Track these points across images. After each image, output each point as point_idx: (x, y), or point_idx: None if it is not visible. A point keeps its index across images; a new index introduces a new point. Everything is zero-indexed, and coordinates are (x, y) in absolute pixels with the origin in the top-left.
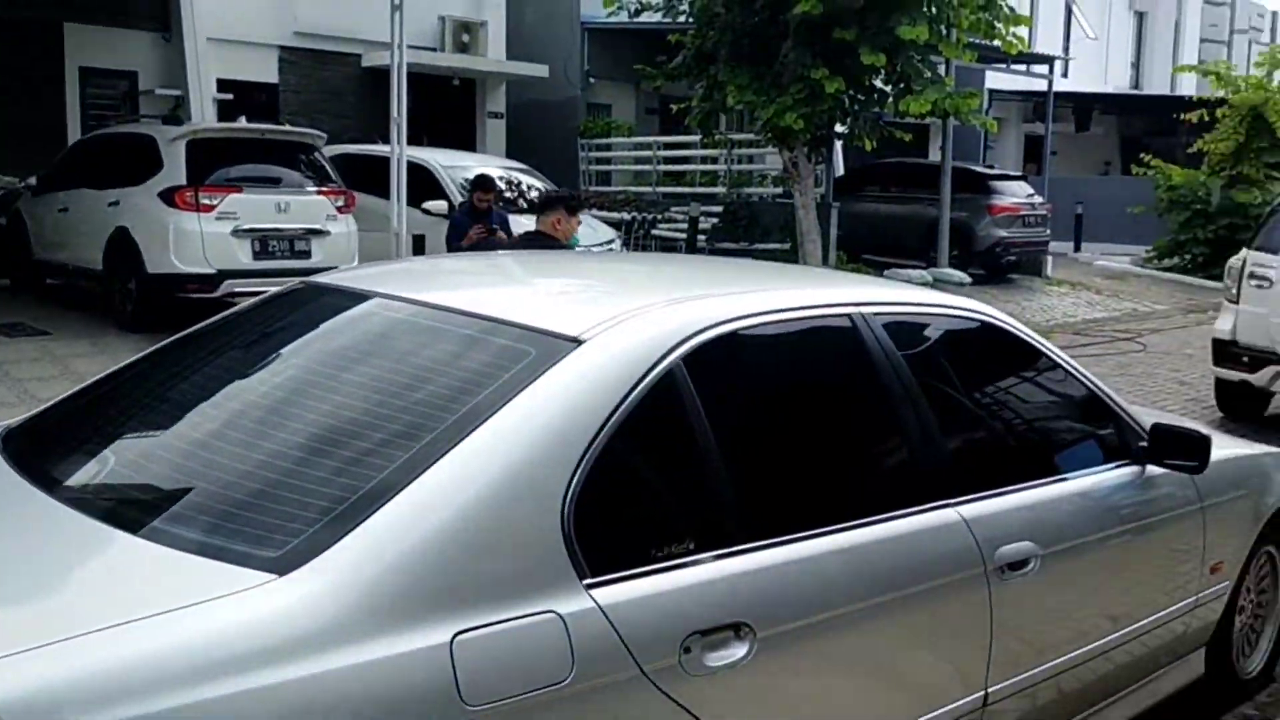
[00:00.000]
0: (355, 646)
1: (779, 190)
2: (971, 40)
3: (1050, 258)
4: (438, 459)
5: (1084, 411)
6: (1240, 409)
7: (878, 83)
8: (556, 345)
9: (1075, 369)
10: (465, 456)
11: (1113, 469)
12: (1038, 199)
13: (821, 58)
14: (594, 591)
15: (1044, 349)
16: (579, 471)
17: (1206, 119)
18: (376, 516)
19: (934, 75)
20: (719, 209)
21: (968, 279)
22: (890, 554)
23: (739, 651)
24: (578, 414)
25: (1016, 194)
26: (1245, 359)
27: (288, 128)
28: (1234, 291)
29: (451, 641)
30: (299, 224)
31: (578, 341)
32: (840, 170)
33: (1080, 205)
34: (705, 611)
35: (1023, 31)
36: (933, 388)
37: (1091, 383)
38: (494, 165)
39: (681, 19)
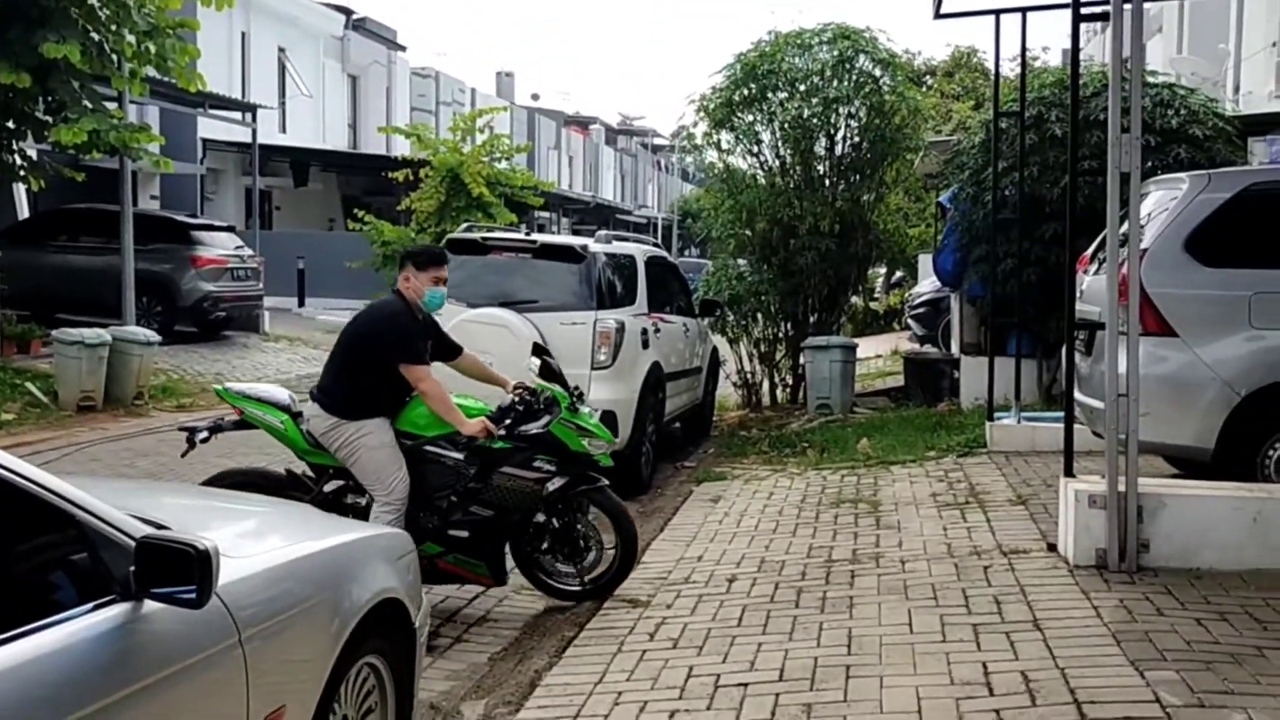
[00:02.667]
0: None
1: None
2: (155, 77)
3: (267, 313)
4: None
5: (32, 535)
6: None
7: (39, 111)
8: None
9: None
10: None
11: (78, 617)
12: (247, 251)
13: None
14: None
15: None
16: None
17: (413, 179)
18: None
19: (97, 105)
20: None
21: (156, 337)
22: None
23: None
24: None
25: (224, 246)
26: None
27: None
28: None
29: None
30: None
31: None
32: (24, 212)
33: (302, 260)
34: None
35: (198, 67)
36: None
37: (41, 486)
38: None
39: None
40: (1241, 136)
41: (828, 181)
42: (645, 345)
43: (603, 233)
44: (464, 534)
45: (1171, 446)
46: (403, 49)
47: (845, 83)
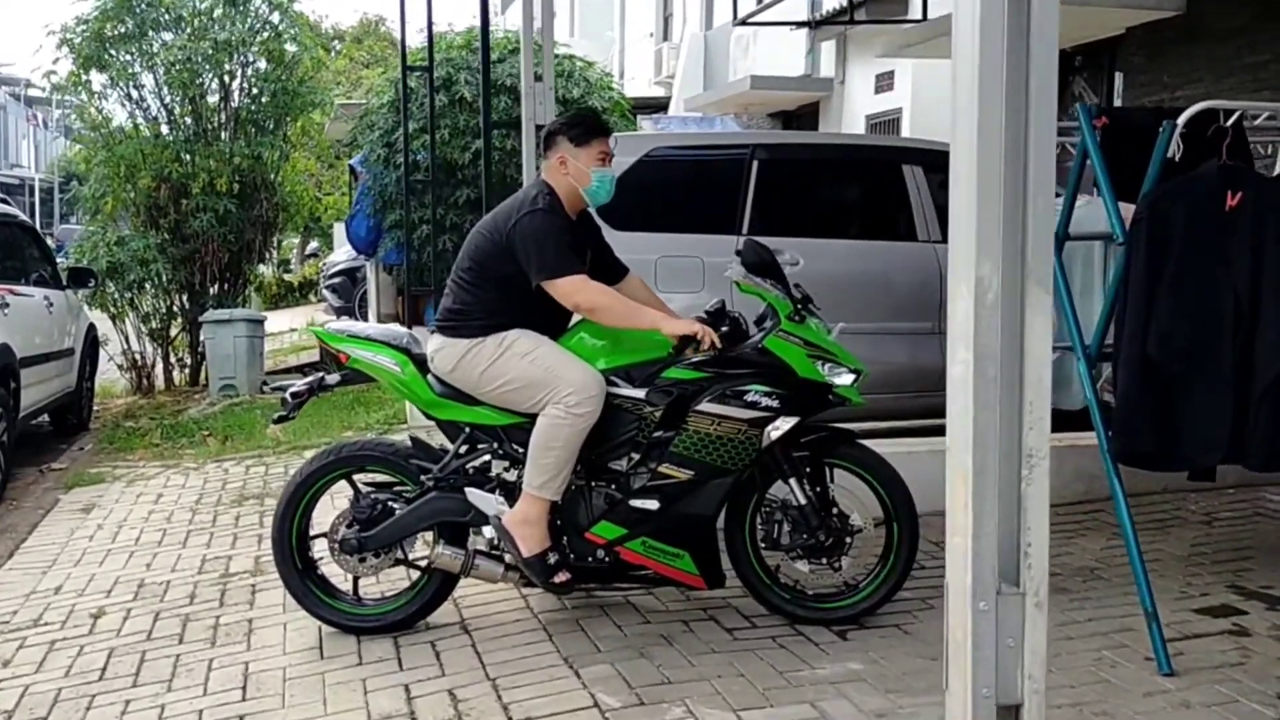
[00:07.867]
0: None
1: None
2: None
3: None
4: None
5: None
6: None
7: None
8: None
9: None
10: None
11: None
12: None
13: None
14: None
15: None
16: None
17: None
18: None
19: None
20: None
21: None
22: None
23: None
24: None
25: None
26: None
27: None
28: None
29: None
30: None
31: None
32: None
33: None
34: None
35: None
36: None
37: None
38: None
39: None
40: (632, 114)
41: (224, 135)
42: None
43: None
44: (652, 505)
45: None
46: None
47: (239, 25)
